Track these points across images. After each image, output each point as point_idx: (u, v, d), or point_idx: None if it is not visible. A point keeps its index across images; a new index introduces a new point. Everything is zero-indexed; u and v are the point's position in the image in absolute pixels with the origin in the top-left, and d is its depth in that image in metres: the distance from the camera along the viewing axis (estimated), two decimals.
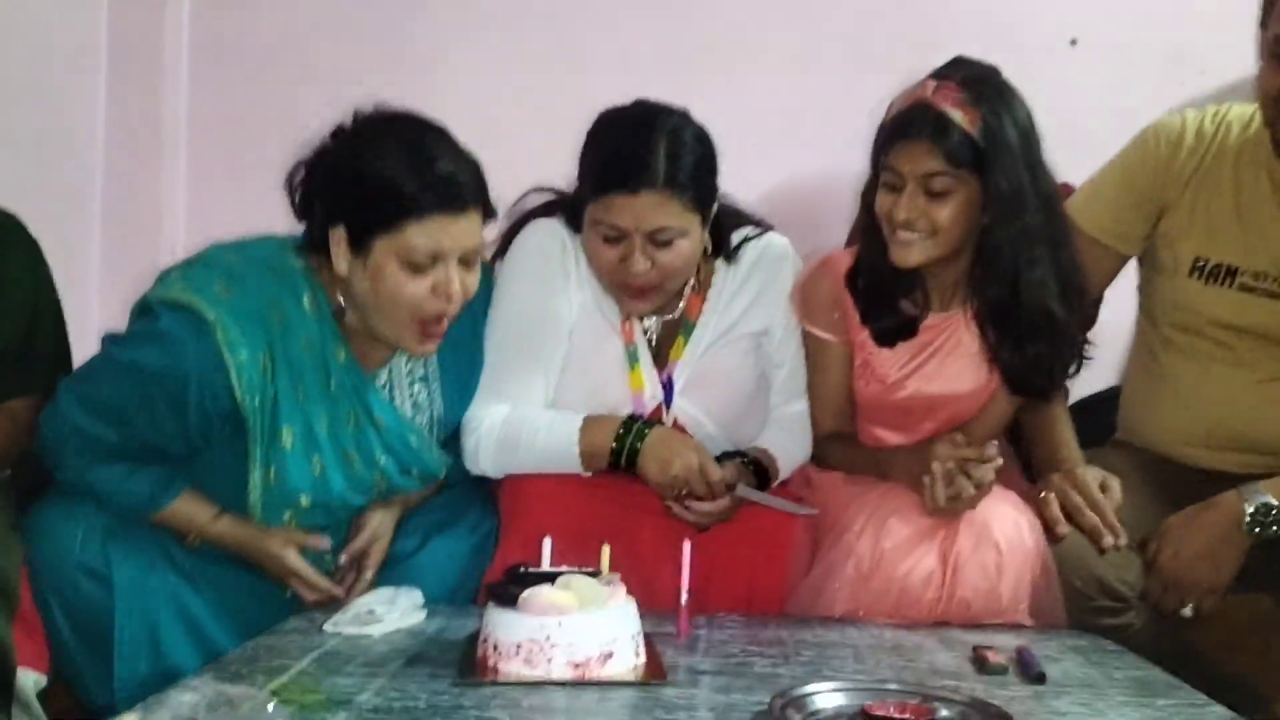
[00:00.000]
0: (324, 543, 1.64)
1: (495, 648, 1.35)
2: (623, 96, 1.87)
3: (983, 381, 1.83)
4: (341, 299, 1.60)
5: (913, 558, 1.65)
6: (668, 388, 1.83)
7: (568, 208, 1.84)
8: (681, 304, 1.85)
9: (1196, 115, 1.84)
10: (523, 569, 1.47)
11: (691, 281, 1.84)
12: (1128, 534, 1.66)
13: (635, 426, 1.73)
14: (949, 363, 1.82)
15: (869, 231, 1.80)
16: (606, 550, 1.49)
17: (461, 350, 1.74)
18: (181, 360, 1.50)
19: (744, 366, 1.88)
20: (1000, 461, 1.66)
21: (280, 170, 1.71)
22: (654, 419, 1.80)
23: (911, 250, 1.71)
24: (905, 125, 1.69)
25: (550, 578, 1.41)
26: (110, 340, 1.60)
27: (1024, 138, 1.71)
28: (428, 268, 1.51)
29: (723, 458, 1.80)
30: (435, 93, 2.90)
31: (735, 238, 1.89)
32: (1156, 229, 1.82)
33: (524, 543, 1.69)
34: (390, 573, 1.71)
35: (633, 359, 1.82)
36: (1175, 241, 1.80)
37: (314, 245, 1.58)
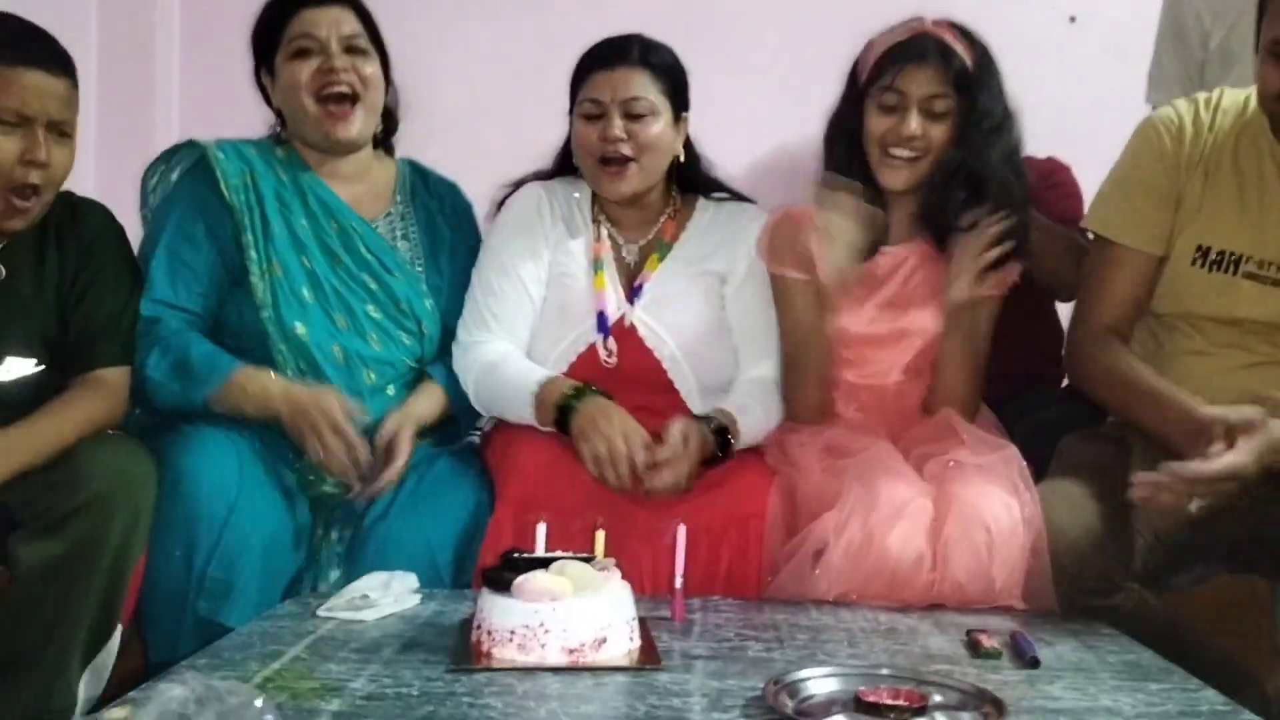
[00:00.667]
0: (363, 413, 1.78)
1: (489, 633, 1.35)
2: None
3: (937, 313, 1.90)
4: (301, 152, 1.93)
5: (901, 534, 1.65)
6: (637, 292, 1.94)
7: (553, 170, 2.05)
8: (657, 228, 2.00)
9: (1189, 104, 1.81)
10: (517, 554, 1.47)
11: (670, 209, 2.00)
12: (1127, 517, 1.65)
13: (584, 390, 1.80)
14: (904, 294, 1.90)
15: (845, 159, 1.89)
16: (601, 535, 1.49)
17: (438, 238, 1.99)
18: (189, 192, 1.86)
19: (705, 299, 1.96)
20: None
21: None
22: (606, 390, 1.84)
23: (901, 172, 1.86)
24: (912, 50, 1.83)
25: (544, 563, 1.41)
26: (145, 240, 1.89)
27: (997, 69, 1.89)
28: (314, 53, 1.84)
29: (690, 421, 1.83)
30: (430, 71, 2.90)
31: (720, 195, 2.05)
32: (1176, 220, 1.79)
33: (516, 518, 1.72)
34: (378, 541, 1.74)
35: (597, 266, 1.94)
36: (1179, 230, 1.78)
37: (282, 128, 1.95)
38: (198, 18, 2.77)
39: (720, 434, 1.82)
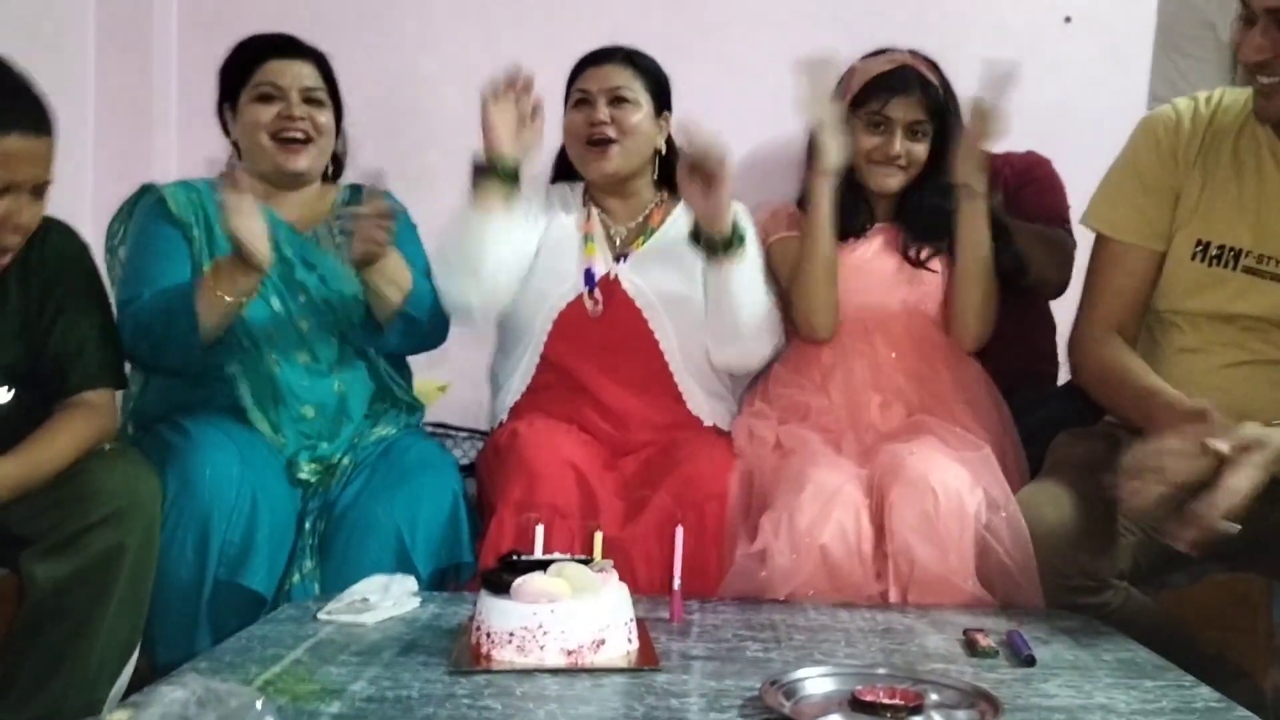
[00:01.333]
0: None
1: (488, 635, 1.36)
2: None
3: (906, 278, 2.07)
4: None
5: (834, 529, 1.70)
6: (623, 258, 2.09)
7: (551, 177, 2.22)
8: (644, 215, 2.14)
9: (1189, 102, 1.82)
10: (515, 556, 1.48)
11: (656, 199, 2.16)
12: (1115, 515, 1.66)
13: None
14: (880, 263, 2.09)
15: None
16: (599, 537, 1.50)
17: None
18: (151, 221, 1.99)
19: (688, 265, 2.07)
20: None
21: None
22: (593, 338, 2.02)
23: (892, 179, 2.08)
24: (899, 81, 2.05)
25: (543, 565, 1.42)
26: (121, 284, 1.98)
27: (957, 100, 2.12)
28: (276, 99, 2.01)
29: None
30: (425, 76, 2.91)
31: None
32: (1175, 216, 1.79)
33: (517, 518, 1.75)
34: (349, 528, 1.79)
35: (587, 239, 2.10)
36: (1182, 225, 1.78)
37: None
38: (195, 36, 2.77)
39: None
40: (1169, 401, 1.65)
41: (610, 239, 2.12)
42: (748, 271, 1.98)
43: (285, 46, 2.04)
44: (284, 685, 1.25)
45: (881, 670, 1.29)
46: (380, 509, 1.79)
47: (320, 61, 2.06)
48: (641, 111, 2.07)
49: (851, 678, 1.26)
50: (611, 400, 2.01)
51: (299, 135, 2.00)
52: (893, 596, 1.71)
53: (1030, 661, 1.38)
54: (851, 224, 2.08)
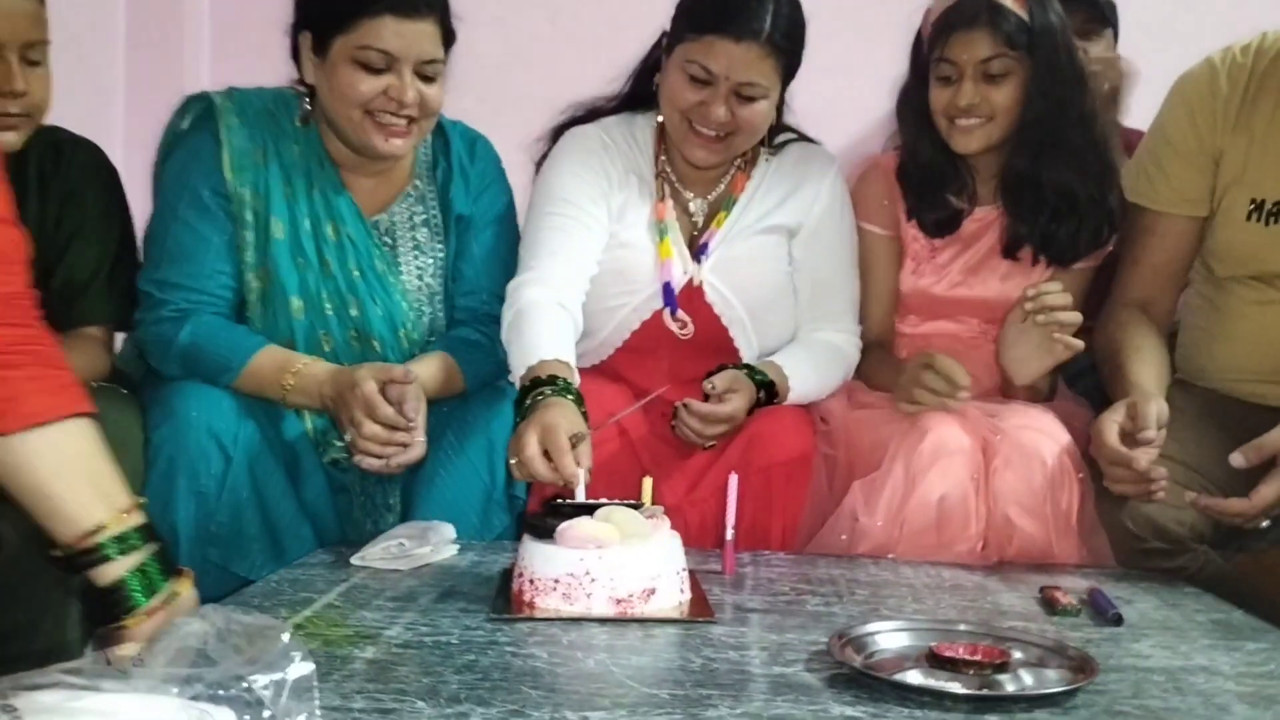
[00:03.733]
0: (408, 375, 1.54)
1: (531, 582, 1.27)
2: (653, 16, 1.82)
3: (1026, 275, 1.85)
4: (322, 122, 1.70)
5: (941, 471, 1.58)
6: (702, 251, 1.82)
7: (618, 104, 1.90)
8: (725, 182, 1.86)
9: (1224, 54, 1.73)
10: (560, 500, 1.39)
11: (738, 161, 1.86)
12: (1192, 473, 1.59)
13: (546, 390, 1.51)
14: (988, 258, 1.86)
15: (917, 130, 1.83)
16: (648, 483, 1.41)
17: (476, 219, 1.78)
18: (189, 153, 1.64)
19: (773, 258, 1.86)
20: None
21: None
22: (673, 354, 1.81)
23: (972, 136, 1.77)
24: (959, 17, 1.73)
25: (589, 509, 1.32)
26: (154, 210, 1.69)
27: (1062, 21, 1.76)
28: (383, 71, 1.59)
29: (735, 369, 1.74)
30: (463, 18, 2.81)
31: (783, 136, 1.91)
32: (1217, 179, 1.73)
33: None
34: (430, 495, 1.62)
35: (661, 233, 1.81)
36: (1230, 187, 1.72)
37: (304, 86, 1.70)
38: (227, 65, 2.69)
39: (767, 388, 1.74)
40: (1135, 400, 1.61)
41: (688, 215, 1.85)
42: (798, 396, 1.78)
43: (409, 1, 1.58)
44: (316, 629, 1.17)
45: (961, 626, 1.19)
46: (462, 468, 1.62)
47: (443, 17, 1.63)
48: (768, 100, 1.73)
49: (926, 633, 1.16)
50: (675, 396, 1.74)
51: (402, 121, 1.61)
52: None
53: (1118, 620, 1.27)
54: (944, 214, 1.83)
